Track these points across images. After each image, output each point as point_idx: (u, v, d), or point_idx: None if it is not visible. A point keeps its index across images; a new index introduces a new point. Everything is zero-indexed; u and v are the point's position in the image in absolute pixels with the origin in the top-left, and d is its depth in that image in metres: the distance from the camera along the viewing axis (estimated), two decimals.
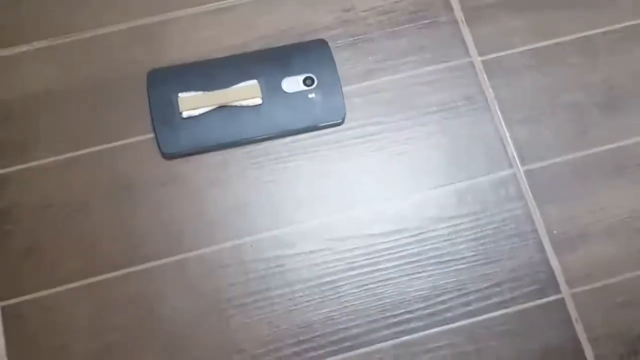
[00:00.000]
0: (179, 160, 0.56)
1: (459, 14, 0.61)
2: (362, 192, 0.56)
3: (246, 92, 0.56)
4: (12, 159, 0.56)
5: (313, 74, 0.58)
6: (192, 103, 0.55)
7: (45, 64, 0.58)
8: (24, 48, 0.58)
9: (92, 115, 0.57)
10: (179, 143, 0.55)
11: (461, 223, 0.55)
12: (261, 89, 0.56)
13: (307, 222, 0.55)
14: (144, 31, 0.60)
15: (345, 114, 0.57)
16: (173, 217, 0.55)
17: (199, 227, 0.54)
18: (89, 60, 0.59)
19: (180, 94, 0.56)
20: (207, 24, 0.60)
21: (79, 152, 0.56)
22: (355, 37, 0.60)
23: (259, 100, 0.56)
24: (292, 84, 0.57)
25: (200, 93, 0.56)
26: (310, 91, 0.57)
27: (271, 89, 0.57)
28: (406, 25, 0.60)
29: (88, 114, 0.57)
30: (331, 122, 0.57)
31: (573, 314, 0.53)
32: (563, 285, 0.54)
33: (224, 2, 0.60)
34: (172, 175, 0.56)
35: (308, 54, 0.58)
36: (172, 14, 0.60)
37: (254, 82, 0.57)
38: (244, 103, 0.56)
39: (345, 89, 0.58)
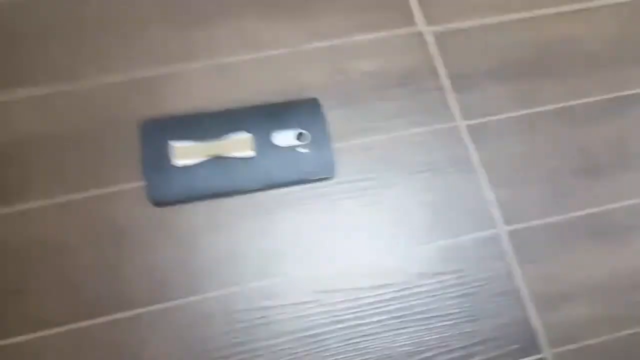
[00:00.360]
0: (168, 208, 0.57)
1: (445, 81, 0.64)
2: (350, 246, 0.57)
3: (239, 144, 0.58)
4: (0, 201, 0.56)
5: (305, 129, 0.59)
6: (185, 152, 0.57)
7: (38, 108, 0.59)
8: (18, 92, 0.59)
9: (84, 160, 0.57)
10: (169, 191, 0.56)
11: (447, 279, 0.56)
12: (254, 142, 0.58)
13: (294, 273, 0.55)
14: (142, 82, 0.61)
15: (334, 169, 0.59)
16: (160, 264, 0.55)
17: (186, 275, 0.54)
18: (84, 107, 0.60)
19: (173, 143, 0.57)
20: (204, 78, 0.62)
21: (69, 196, 0.56)
22: (347, 97, 0.62)
23: (251, 153, 0.58)
24: (284, 138, 0.59)
25: (193, 143, 0.57)
26: (301, 146, 0.59)
27: (263, 142, 0.58)
28: (396, 89, 0.63)
29: (80, 159, 0.58)
30: (321, 177, 0.58)
31: None
32: (545, 346, 0.54)
33: (222, 59, 0.63)
34: (161, 223, 0.56)
35: (300, 110, 0.60)
36: (170, 67, 0.62)
37: (247, 134, 0.58)
38: (237, 154, 0.57)
39: (336, 145, 0.59)
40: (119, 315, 0.52)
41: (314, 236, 0.57)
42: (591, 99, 0.64)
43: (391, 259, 0.57)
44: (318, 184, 0.59)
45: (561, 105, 0.64)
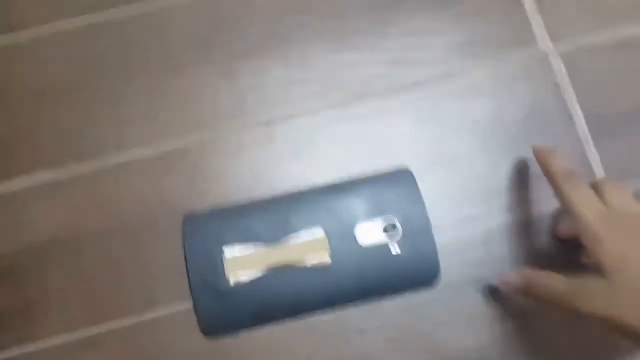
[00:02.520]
0: (224, 338, 0.44)
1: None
2: None
3: (311, 248, 0.43)
4: (12, 336, 0.44)
5: (394, 214, 0.44)
6: (242, 265, 0.43)
7: (52, 201, 0.46)
8: (25, 181, 0.46)
9: (113, 275, 0.44)
10: (224, 318, 0.43)
11: None
12: (329, 243, 0.43)
13: None
14: (177, 156, 0.47)
15: (439, 273, 0.44)
16: None
17: None
18: (107, 198, 0.46)
19: (225, 251, 0.43)
20: (255, 147, 0.47)
21: (97, 328, 0.44)
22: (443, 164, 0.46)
23: (327, 259, 0.43)
24: (369, 232, 0.44)
25: (250, 248, 0.43)
26: (393, 244, 0.44)
27: (341, 241, 0.43)
28: None
29: (107, 273, 0.45)
30: (422, 285, 0.44)
31: None
32: None
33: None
34: (215, 358, 0.43)
35: (387, 188, 0.45)
36: (211, 131, 0.47)
37: (320, 232, 0.43)
38: (307, 263, 0.43)
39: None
40: None
41: None
42: None
43: None
44: (416, 296, 0.44)
45: None
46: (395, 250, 0.43)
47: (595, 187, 0.40)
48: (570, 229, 0.43)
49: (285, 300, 0.43)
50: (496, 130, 0.47)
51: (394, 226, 0.44)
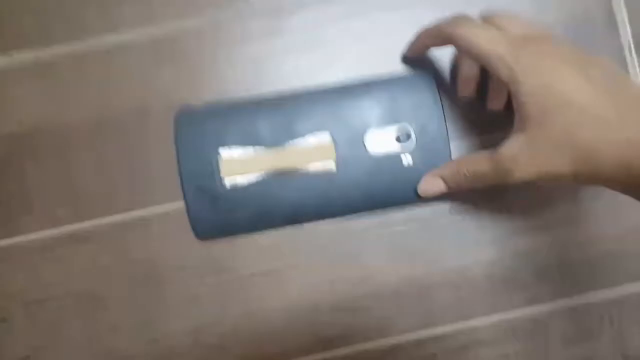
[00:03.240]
0: (217, 242, 0.41)
1: None
2: None
3: (314, 154, 0.39)
4: None
5: (409, 123, 0.40)
6: (238, 168, 0.39)
7: (33, 86, 0.41)
8: (3, 61, 0.41)
9: (99, 170, 0.41)
10: (218, 221, 0.40)
11: None
12: (336, 149, 0.39)
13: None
14: (171, 43, 0.42)
15: None
16: (208, 316, 0.40)
17: (245, 332, 0.40)
18: (93, 86, 0.42)
19: (221, 151, 0.39)
20: (259, 38, 0.42)
21: (82, 225, 0.41)
22: None
23: (332, 166, 0.39)
24: (380, 140, 0.40)
25: (249, 151, 0.39)
26: (405, 154, 0.40)
27: (349, 148, 0.40)
28: None
29: (93, 168, 0.41)
30: (430, 200, 0.40)
31: None
32: None
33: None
34: (209, 263, 0.41)
35: (403, 93, 0.40)
36: (211, 17, 0.42)
37: (326, 136, 0.40)
38: (311, 169, 0.39)
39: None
40: None
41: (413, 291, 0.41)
42: None
43: None
44: (426, 207, 0.41)
45: None
46: (407, 161, 0.40)
47: (488, 22, 0.35)
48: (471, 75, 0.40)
49: (283, 206, 0.40)
50: None
51: (408, 135, 0.40)
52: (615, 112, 0.30)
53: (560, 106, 0.31)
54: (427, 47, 0.39)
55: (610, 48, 0.42)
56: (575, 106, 0.31)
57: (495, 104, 0.40)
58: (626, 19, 0.42)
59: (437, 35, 0.37)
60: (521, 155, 0.33)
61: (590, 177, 0.31)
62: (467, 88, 0.40)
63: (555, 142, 0.31)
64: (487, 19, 0.36)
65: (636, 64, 0.42)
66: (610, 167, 0.30)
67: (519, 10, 0.42)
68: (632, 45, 0.42)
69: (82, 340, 0.40)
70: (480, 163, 0.35)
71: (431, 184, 0.38)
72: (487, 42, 0.33)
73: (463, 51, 0.35)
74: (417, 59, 0.41)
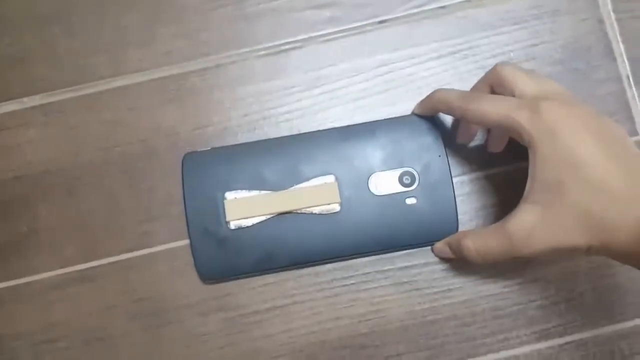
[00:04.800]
0: (222, 284, 0.41)
1: None
2: None
3: (319, 196, 0.40)
4: (4, 270, 0.42)
5: (413, 167, 0.40)
6: (243, 210, 0.40)
7: (43, 129, 0.43)
8: (15, 105, 0.43)
9: (107, 210, 0.42)
10: (223, 263, 0.40)
11: None
12: (340, 190, 0.40)
13: None
14: (177, 84, 0.43)
15: (457, 227, 0.40)
16: (213, 354, 0.41)
17: None
18: (101, 127, 0.43)
19: (227, 195, 0.40)
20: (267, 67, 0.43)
21: (90, 264, 0.41)
22: None
23: (336, 207, 0.40)
24: (383, 182, 0.40)
25: (254, 193, 0.40)
26: (408, 194, 0.40)
27: (353, 190, 0.40)
28: None
29: (101, 207, 0.42)
30: (435, 240, 0.40)
31: None
32: None
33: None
34: (213, 301, 0.41)
35: (405, 133, 0.41)
36: (215, 59, 0.43)
37: (331, 178, 0.40)
38: (315, 210, 0.40)
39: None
40: None
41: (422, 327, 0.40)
42: None
43: None
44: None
45: None
46: (411, 201, 0.40)
47: (500, 85, 0.35)
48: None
49: (288, 247, 0.40)
50: (531, 64, 0.43)
51: (412, 176, 0.40)
52: (626, 187, 0.30)
53: (577, 179, 0.31)
54: (438, 111, 0.39)
55: (609, 78, 0.42)
56: (591, 178, 0.30)
57: (496, 147, 0.40)
58: (622, 49, 0.42)
59: (449, 108, 0.37)
60: (536, 229, 0.32)
61: (604, 251, 0.31)
62: (466, 137, 0.41)
63: (572, 215, 0.31)
64: (498, 83, 0.35)
65: (635, 94, 0.42)
66: (622, 243, 0.30)
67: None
68: (631, 76, 0.42)
69: None
70: (486, 240, 0.35)
71: (441, 252, 0.39)
72: (503, 113, 0.33)
73: (479, 125, 0.36)
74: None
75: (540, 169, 0.32)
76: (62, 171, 0.42)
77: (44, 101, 0.43)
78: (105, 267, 0.41)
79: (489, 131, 0.41)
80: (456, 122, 0.41)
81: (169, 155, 0.42)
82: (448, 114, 0.38)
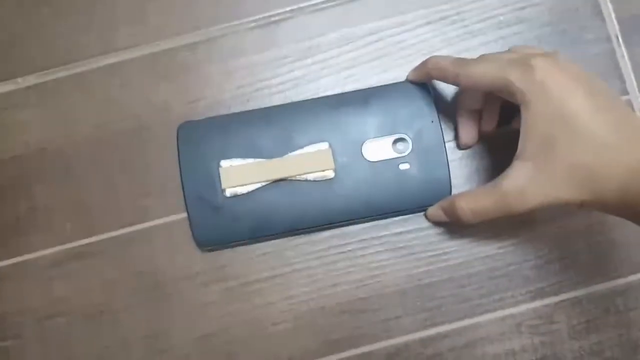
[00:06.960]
0: (219, 252, 0.42)
1: None
2: None
3: (313, 163, 0.40)
4: (3, 249, 0.42)
5: (406, 133, 0.41)
6: (239, 177, 0.40)
7: (37, 109, 0.43)
8: (9, 86, 0.43)
9: (103, 186, 0.42)
10: (220, 231, 0.41)
11: None
12: (334, 157, 0.40)
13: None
14: (169, 59, 0.43)
15: (450, 192, 0.41)
16: (215, 324, 0.41)
17: (252, 338, 0.41)
18: (94, 104, 0.43)
19: (222, 163, 0.40)
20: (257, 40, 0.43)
21: (88, 240, 0.42)
22: None
23: (330, 173, 0.40)
24: (377, 148, 0.41)
25: (250, 161, 0.40)
26: (402, 159, 0.40)
27: (347, 156, 0.40)
28: None
29: (98, 184, 0.42)
30: (429, 205, 0.41)
31: None
32: None
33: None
34: (213, 272, 0.42)
35: (399, 100, 0.41)
36: (206, 32, 0.43)
37: (325, 146, 0.40)
38: (310, 177, 0.40)
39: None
40: None
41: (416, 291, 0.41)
42: None
43: None
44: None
45: None
46: (404, 166, 0.40)
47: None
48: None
49: (284, 214, 0.40)
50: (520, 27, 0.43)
51: (405, 142, 0.40)
52: (616, 138, 0.31)
53: (568, 132, 0.31)
54: (432, 78, 0.39)
55: (598, 39, 0.43)
56: (582, 131, 0.31)
57: (487, 125, 0.41)
58: (611, 9, 0.43)
59: (442, 74, 0.37)
60: (529, 185, 0.33)
61: (597, 205, 0.32)
62: (468, 137, 0.41)
63: (564, 169, 0.31)
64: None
65: (625, 54, 0.43)
66: (614, 192, 0.31)
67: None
68: (620, 36, 0.43)
69: (93, 354, 0.41)
70: (480, 199, 0.35)
71: (434, 216, 0.40)
72: (495, 74, 0.33)
73: (472, 88, 0.36)
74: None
75: (532, 125, 0.32)
76: (58, 150, 0.42)
77: (38, 80, 0.43)
78: (104, 242, 0.42)
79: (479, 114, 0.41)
80: (456, 129, 0.42)
81: (163, 130, 0.42)
82: (442, 80, 0.38)
